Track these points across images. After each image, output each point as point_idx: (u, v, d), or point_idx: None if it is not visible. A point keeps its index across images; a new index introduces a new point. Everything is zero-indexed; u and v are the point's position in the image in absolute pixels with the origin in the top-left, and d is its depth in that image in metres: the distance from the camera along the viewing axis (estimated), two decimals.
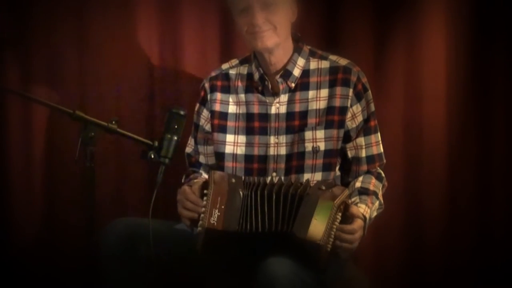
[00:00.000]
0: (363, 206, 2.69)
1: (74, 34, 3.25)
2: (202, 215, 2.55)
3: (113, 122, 2.47)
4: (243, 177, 2.66)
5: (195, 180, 2.77)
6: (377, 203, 2.77)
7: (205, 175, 2.88)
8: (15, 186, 3.25)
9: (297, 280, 2.45)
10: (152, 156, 2.47)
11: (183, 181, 2.89)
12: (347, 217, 2.56)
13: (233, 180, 2.61)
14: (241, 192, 2.58)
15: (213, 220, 2.53)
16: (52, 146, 3.27)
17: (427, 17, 3.25)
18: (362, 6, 3.27)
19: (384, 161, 2.87)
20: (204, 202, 2.57)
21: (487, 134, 3.26)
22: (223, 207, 2.54)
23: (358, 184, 2.79)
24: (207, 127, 2.90)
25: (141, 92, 3.30)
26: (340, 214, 2.52)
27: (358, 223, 2.59)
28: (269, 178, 2.77)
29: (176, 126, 2.50)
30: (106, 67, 3.26)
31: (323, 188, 2.55)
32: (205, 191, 2.59)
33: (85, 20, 3.25)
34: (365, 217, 2.65)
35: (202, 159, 2.92)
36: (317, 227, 2.47)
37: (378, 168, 2.86)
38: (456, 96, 3.27)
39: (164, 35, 3.29)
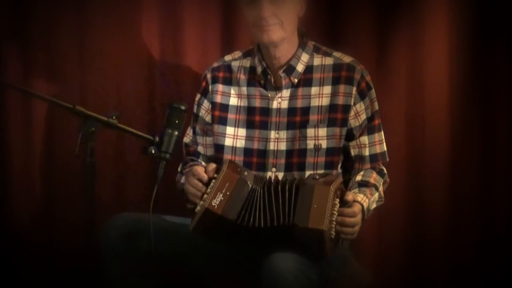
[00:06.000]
0: (361, 195, 2.68)
1: (74, 29, 3.23)
2: (205, 195, 2.55)
3: (114, 117, 2.46)
4: (255, 174, 2.66)
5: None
6: (376, 194, 2.75)
7: (204, 164, 2.86)
8: (15, 181, 3.24)
9: (302, 276, 2.45)
10: (153, 152, 2.47)
11: (179, 169, 2.88)
12: (345, 202, 2.55)
13: (246, 173, 2.61)
14: (250, 185, 2.57)
15: (215, 203, 2.53)
16: (52, 141, 3.26)
17: (429, 13, 3.23)
18: (365, 2, 3.25)
19: (387, 159, 2.86)
20: (212, 184, 2.56)
21: (489, 130, 3.25)
22: (228, 193, 2.54)
23: (358, 178, 2.78)
24: (207, 118, 2.88)
25: (142, 87, 3.28)
26: (338, 200, 2.52)
27: (357, 207, 2.58)
28: (268, 173, 2.77)
29: (177, 121, 2.49)
30: (107, 62, 3.25)
31: (317, 177, 2.55)
32: (215, 175, 2.59)
33: (86, 15, 3.23)
34: (362, 204, 2.64)
35: (200, 149, 2.91)
36: (318, 214, 2.46)
37: (381, 165, 2.85)
38: (459, 92, 3.25)
39: (165, 30, 3.27)
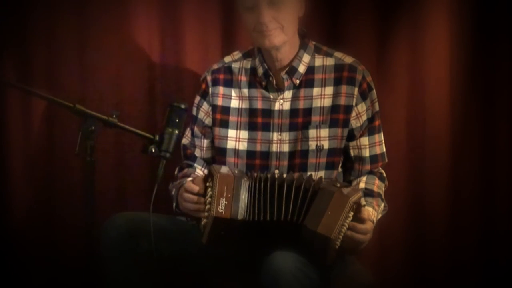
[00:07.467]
0: (370, 209, 2.68)
1: (75, 29, 3.22)
2: (208, 205, 2.54)
3: (114, 116, 2.45)
4: (243, 170, 2.65)
5: (195, 175, 2.75)
6: (382, 205, 2.77)
7: (199, 170, 2.86)
8: (15, 180, 3.23)
9: (302, 275, 2.45)
10: (153, 150, 2.46)
11: (176, 173, 2.87)
12: (358, 218, 2.53)
13: (236, 172, 2.59)
14: (246, 182, 2.56)
15: (221, 209, 2.51)
16: (52, 140, 3.25)
17: (430, 14, 3.24)
18: (365, 2, 3.25)
19: (386, 160, 2.86)
20: (210, 193, 2.54)
21: (489, 130, 3.26)
22: (229, 195, 2.52)
23: (362, 185, 2.78)
24: (207, 120, 2.87)
25: (142, 86, 3.28)
26: (352, 213, 2.50)
27: (369, 225, 2.57)
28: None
29: (177, 120, 2.49)
30: (107, 61, 3.24)
31: (338, 185, 2.53)
32: (207, 184, 2.57)
33: (86, 14, 3.22)
34: (373, 221, 2.64)
35: (197, 152, 2.89)
36: (330, 221, 2.45)
37: (380, 168, 2.85)
38: (459, 92, 3.26)
39: (165, 29, 3.26)
